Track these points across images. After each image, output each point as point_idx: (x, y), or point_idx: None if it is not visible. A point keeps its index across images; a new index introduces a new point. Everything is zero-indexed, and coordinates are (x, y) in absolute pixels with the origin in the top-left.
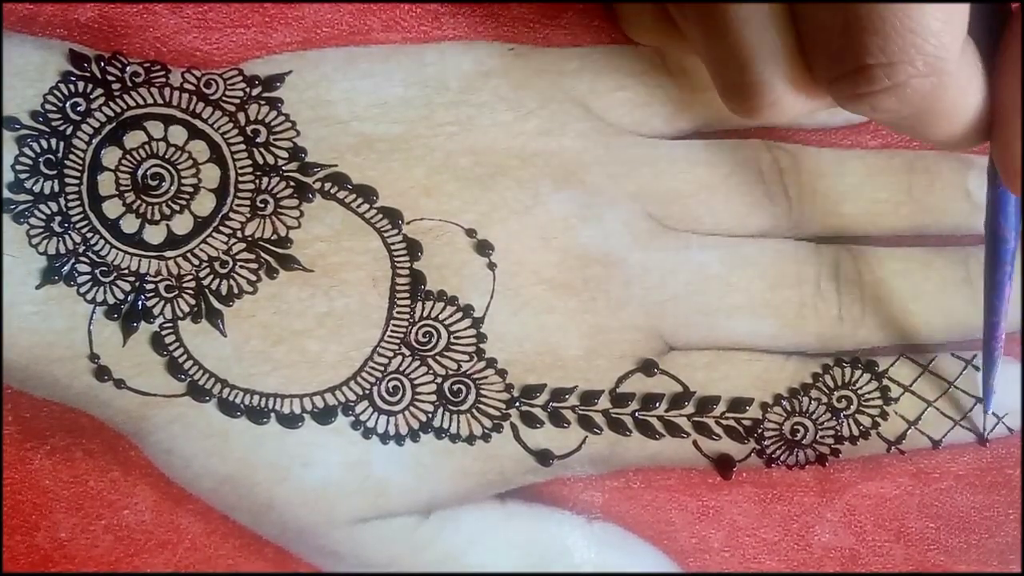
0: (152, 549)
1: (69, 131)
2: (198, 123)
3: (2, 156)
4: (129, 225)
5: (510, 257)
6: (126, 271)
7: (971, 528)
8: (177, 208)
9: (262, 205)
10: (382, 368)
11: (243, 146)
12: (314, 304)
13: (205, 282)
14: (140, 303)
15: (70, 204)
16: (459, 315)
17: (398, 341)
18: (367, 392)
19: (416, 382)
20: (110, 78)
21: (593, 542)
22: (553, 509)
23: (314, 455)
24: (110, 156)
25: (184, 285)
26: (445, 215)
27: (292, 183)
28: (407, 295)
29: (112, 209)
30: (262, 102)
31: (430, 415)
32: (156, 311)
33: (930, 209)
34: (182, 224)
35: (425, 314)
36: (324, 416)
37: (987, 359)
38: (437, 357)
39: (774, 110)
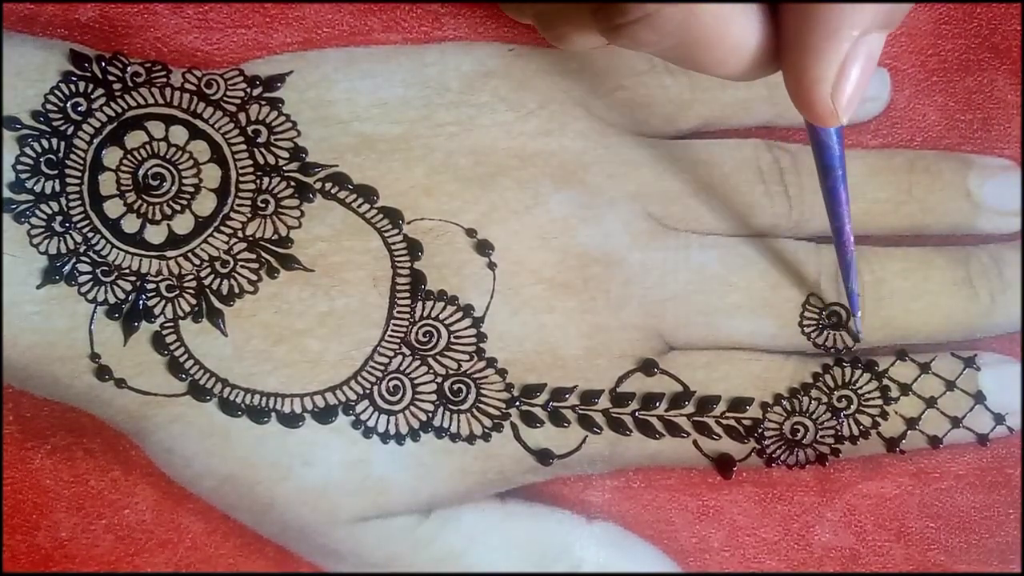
0: (153, 548)
1: (70, 131)
2: (199, 123)
3: (3, 156)
4: (130, 225)
5: (510, 257)
6: (127, 271)
7: (971, 528)
8: (178, 208)
9: (263, 205)
10: (382, 367)
11: (244, 146)
12: (315, 304)
13: (206, 282)
14: (141, 303)
15: (71, 204)
16: (459, 315)
17: (398, 340)
18: (367, 391)
19: (416, 381)
20: (111, 78)
21: (593, 542)
22: (553, 508)
23: (315, 454)
24: (111, 156)
25: (185, 285)
26: (445, 215)
27: (293, 183)
28: (407, 295)
29: (113, 209)
30: (263, 102)
31: (430, 414)
32: (157, 311)
33: (930, 209)
34: (183, 224)
35: (425, 314)
36: (325, 415)
37: (843, 264)
38: (437, 356)
39: (564, 43)
